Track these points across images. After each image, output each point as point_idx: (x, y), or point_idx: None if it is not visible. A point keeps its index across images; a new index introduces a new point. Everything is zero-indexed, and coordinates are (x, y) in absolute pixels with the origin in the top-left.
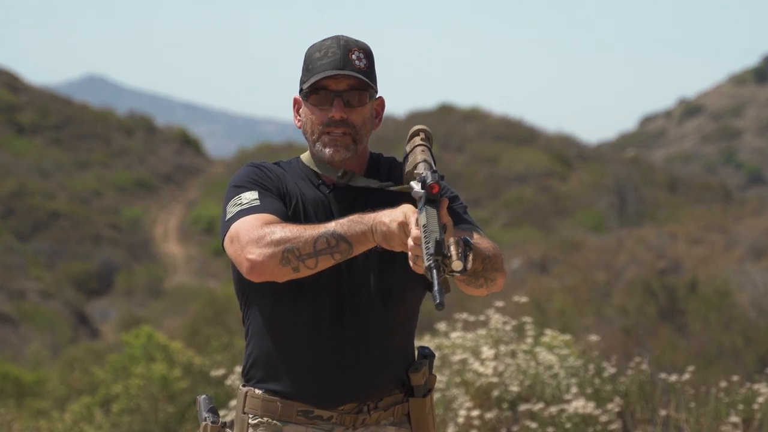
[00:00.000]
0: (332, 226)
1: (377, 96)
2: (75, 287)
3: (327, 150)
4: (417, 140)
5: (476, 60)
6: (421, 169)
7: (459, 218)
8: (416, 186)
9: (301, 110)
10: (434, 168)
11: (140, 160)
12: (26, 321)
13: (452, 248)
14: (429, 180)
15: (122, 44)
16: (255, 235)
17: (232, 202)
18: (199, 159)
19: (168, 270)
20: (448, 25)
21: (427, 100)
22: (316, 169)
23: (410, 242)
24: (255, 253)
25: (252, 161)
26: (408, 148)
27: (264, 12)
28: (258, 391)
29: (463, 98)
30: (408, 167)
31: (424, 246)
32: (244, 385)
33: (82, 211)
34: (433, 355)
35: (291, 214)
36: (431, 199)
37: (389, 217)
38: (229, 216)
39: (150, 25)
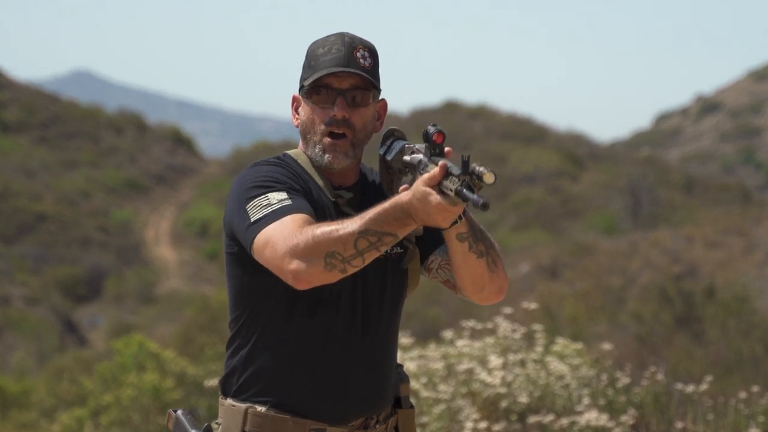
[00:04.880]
0: (363, 224)
1: (380, 98)
2: (62, 293)
3: (326, 156)
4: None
5: (483, 54)
6: (408, 150)
7: None
8: (409, 157)
9: (300, 109)
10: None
11: (131, 160)
12: (11, 328)
13: (477, 167)
14: (431, 130)
15: (111, 38)
16: (291, 243)
17: (256, 202)
18: (192, 158)
19: (159, 275)
20: (453, 17)
21: (431, 96)
22: (312, 173)
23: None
24: (296, 264)
25: (267, 158)
26: (383, 149)
27: (261, 5)
28: (261, 408)
29: (470, 95)
30: (393, 157)
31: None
32: (235, 400)
33: (69, 213)
34: (401, 365)
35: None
36: (436, 154)
37: (411, 191)
38: (256, 218)
39: (141, 17)
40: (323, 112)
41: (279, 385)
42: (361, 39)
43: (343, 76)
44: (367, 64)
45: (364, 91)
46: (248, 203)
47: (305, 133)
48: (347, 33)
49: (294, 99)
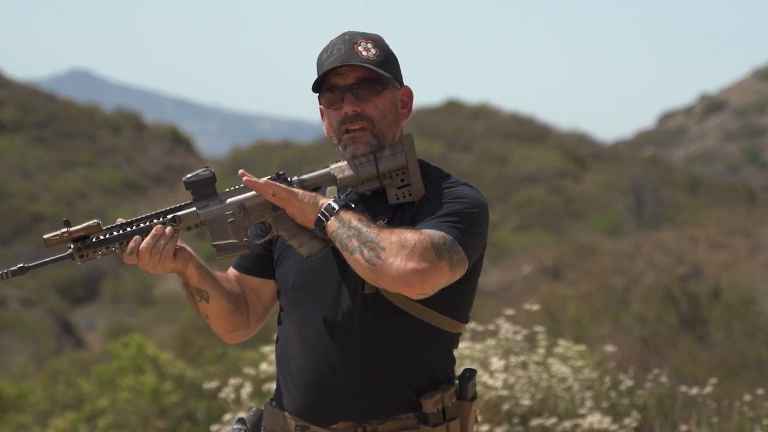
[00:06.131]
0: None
1: (400, 85)
2: (59, 294)
3: (348, 149)
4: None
5: (485, 53)
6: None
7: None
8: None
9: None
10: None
11: (128, 160)
12: (7, 330)
13: None
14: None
15: (109, 36)
16: None
17: None
18: (190, 158)
19: (157, 276)
20: (454, 16)
21: (432, 95)
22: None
23: None
24: None
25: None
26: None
27: (260, 5)
28: (272, 404)
29: (471, 94)
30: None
31: None
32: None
33: (66, 213)
34: (469, 378)
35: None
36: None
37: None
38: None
39: (138, 16)
40: (336, 113)
41: (278, 384)
42: (364, 33)
43: (345, 72)
44: (371, 55)
45: (372, 82)
46: None
47: (330, 137)
48: (349, 31)
49: (321, 111)
